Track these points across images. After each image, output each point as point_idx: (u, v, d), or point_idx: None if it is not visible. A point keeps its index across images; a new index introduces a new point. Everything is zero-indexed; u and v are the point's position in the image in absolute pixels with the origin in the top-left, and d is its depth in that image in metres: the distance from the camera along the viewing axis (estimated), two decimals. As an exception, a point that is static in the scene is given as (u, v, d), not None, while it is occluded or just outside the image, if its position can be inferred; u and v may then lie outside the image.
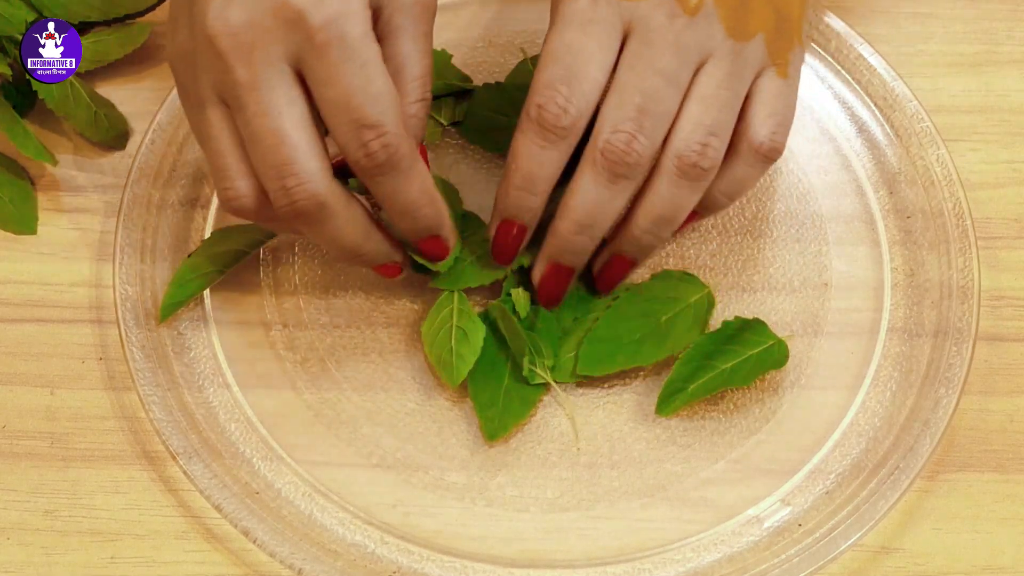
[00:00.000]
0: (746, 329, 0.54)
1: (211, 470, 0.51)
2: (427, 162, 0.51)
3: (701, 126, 0.49)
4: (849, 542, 0.50)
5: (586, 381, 0.54)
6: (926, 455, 0.51)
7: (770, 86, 0.50)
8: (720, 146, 0.49)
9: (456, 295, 0.54)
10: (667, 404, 0.52)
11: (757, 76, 0.50)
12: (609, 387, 0.55)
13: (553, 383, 0.53)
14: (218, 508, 0.51)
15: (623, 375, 0.54)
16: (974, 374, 0.54)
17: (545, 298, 0.53)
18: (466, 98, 0.60)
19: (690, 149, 0.49)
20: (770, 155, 0.50)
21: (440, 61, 0.60)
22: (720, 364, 0.53)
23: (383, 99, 0.45)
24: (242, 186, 0.47)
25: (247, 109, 0.45)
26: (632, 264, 0.53)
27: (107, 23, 0.62)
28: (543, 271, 0.52)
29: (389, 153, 0.46)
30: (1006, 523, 0.52)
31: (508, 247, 0.52)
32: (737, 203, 0.58)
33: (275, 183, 0.46)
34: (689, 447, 0.53)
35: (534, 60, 0.59)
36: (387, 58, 0.48)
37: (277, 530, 0.50)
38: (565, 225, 0.50)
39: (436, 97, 0.59)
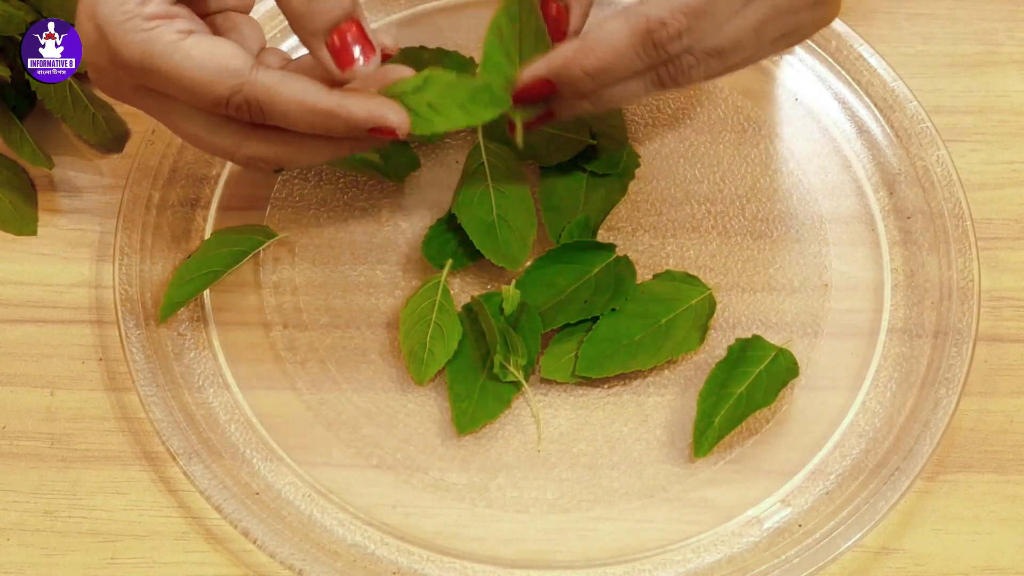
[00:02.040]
0: (748, 348, 0.54)
1: (211, 471, 0.51)
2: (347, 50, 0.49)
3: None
4: (849, 543, 0.50)
5: (586, 382, 0.54)
6: (926, 456, 0.51)
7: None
8: (689, 42, 0.49)
9: (440, 287, 0.54)
10: (701, 444, 0.52)
11: None
12: (609, 387, 0.55)
13: (524, 382, 0.53)
14: (218, 509, 0.51)
15: (623, 376, 0.54)
16: (974, 375, 0.54)
17: (524, 128, 0.52)
18: None
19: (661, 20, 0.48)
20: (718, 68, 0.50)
21: (464, 69, 0.60)
22: (735, 389, 0.53)
23: (215, 73, 0.46)
24: (194, 126, 0.49)
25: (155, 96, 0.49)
26: (551, 118, 0.52)
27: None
28: (541, 113, 0.52)
29: (250, 103, 0.47)
30: (1006, 524, 0.52)
31: (534, 97, 0.51)
32: (737, 203, 0.59)
33: (214, 103, 0.47)
34: (689, 448, 0.53)
35: None
36: (224, 30, 0.51)
37: (277, 531, 0.50)
38: (592, 101, 0.50)
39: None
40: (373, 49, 0.48)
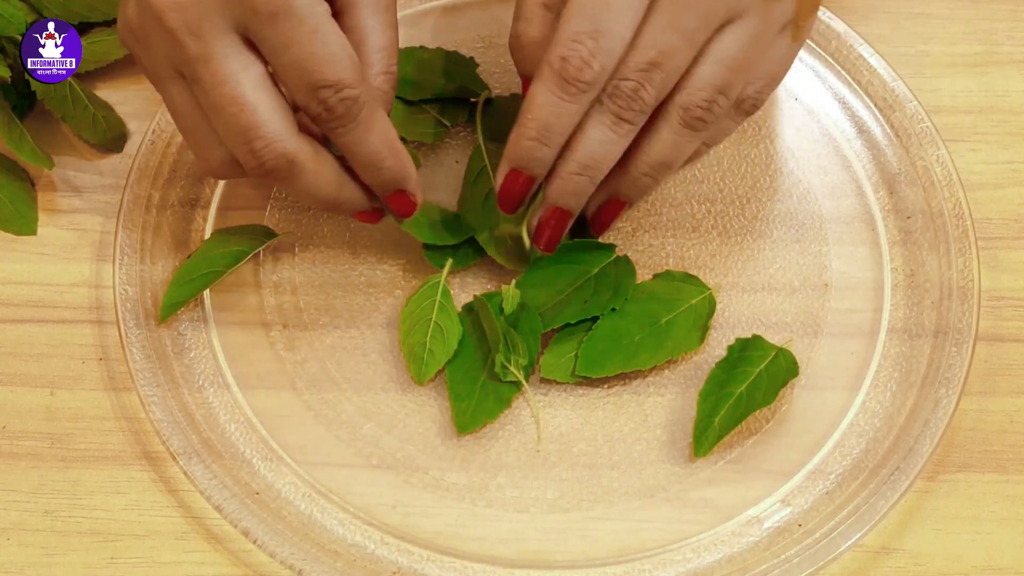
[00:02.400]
0: (748, 347, 0.54)
1: (211, 471, 0.51)
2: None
3: (712, 86, 0.49)
4: (849, 542, 0.50)
5: (586, 381, 0.54)
6: (926, 455, 0.51)
7: (779, 47, 0.51)
8: (726, 103, 0.50)
9: (440, 287, 0.54)
10: (701, 444, 0.52)
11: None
12: (609, 387, 0.55)
13: (524, 383, 0.53)
14: (218, 509, 0.50)
15: (623, 376, 0.54)
16: (974, 374, 0.54)
17: (545, 242, 0.53)
18: (467, 103, 0.60)
19: (696, 104, 0.49)
20: (750, 111, 0.52)
21: (465, 68, 0.60)
22: (735, 388, 0.53)
23: (338, 60, 0.46)
24: (214, 155, 0.48)
25: (203, 81, 0.46)
26: (626, 206, 0.53)
27: (107, 23, 0.62)
28: (544, 214, 0.52)
29: (347, 106, 0.47)
30: (1006, 523, 0.52)
31: (514, 195, 0.51)
32: (737, 203, 0.59)
33: (242, 148, 0.47)
34: (689, 448, 0.53)
35: None
36: (347, 30, 0.49)
37: (277, 531, 0.50)
38: (569, 167, 0.50)
39: (445, 100, 0.60)
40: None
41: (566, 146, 0.50)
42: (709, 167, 0.60)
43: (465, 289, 0.56)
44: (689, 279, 0.56)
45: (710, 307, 0.55)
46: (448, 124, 0.60)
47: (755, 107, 0.52)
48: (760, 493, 0.52)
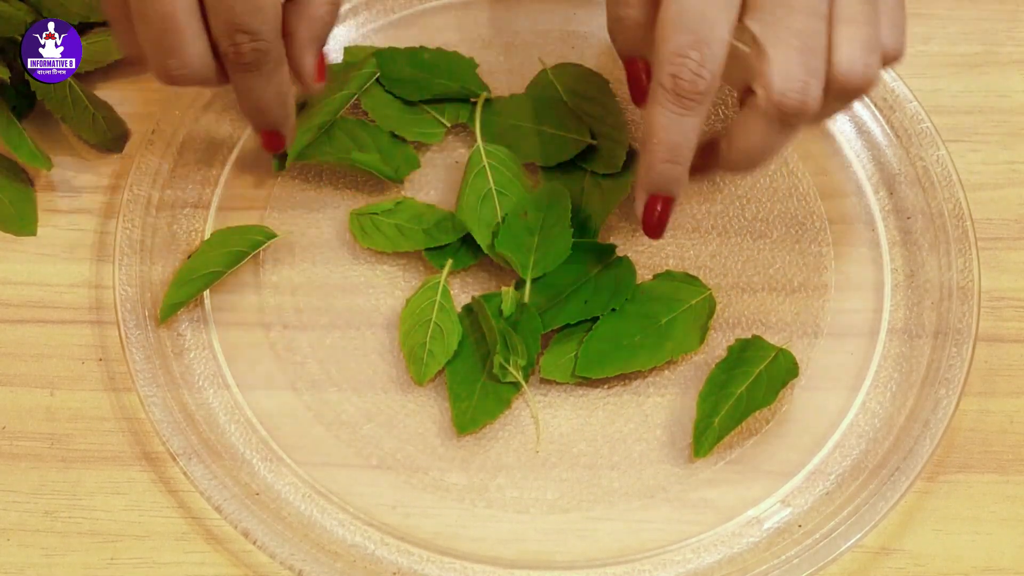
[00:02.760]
0: (747, 348, 0.54)
1: (211, 471, 0.51)
2: (323, 69, 0.53)
3: (864, 47, 0.47)
4: (849, 543, 0.50)
5: (586, 382, 0.54)
6: (926, 456, 0.51)
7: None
8: (877, 54, 0.48)
9: (440, 287, 0.54)
10: (701, 444, 0.52)
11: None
12: (609, 387, 0.55)
13: (523, 383, 0.53)
14: (218, 509, 0.50)
15: (623, 376, 0.54)
16: (974, 375, 0.54)
17: (652, 228, 0.51)
18: (467, 103, 0.60)
19: (856, 70, 0.47)
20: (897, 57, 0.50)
21: (465, 68, 0.60)
22: (735, 389, 0.53)
23: (263, 11, 0.48)
24: (197, 48, 0.49)
25: None
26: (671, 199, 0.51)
27: (107, 23, 0.62)
28: (646, 205, 0.51)
29: (255, 56, 0.49)
30: (1006, 524, 0.52)
31: (660, 222, 0.50)
32: (737, 203, 0.59)
33: (230, 37, 0.48)
34: (689, 448, 0.53)
35: (553, 70, 0.61)
36: None
37: (277, 531, 0.50)
38: (657, 154, 0.49)
39: (445, 100, 0.60)
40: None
41: (652, 136, 0.49)
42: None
43: (465, 290, 0.56)
44: (689, 279, 0.56)
45: (710, 307, 0.55)
46: (448, 124, 0.60)
47: (899, 52, 0.50)
48: (760, 493, 0.52)
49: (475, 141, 0.58)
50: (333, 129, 0.59)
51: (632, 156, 0.58)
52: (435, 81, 0.60)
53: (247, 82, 0.50)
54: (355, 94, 0.59)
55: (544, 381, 0.54)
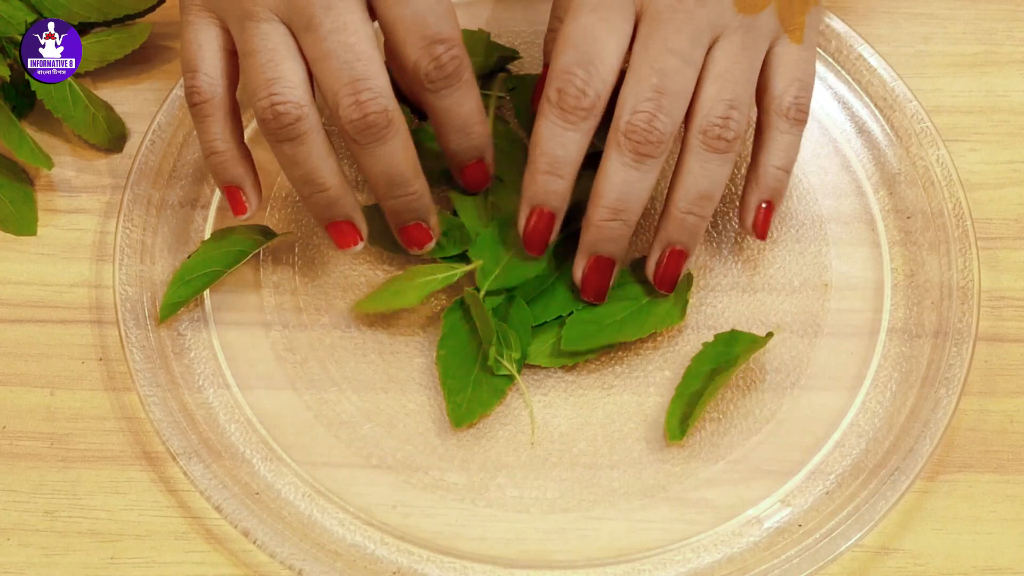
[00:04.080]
0: (725, 342, 0.54)
1: (211, 471, 0.51)
2: None
3: (720, 101, 0.50)
4: (849, 543, 0.50)
5: (586, 382, 0.54)
6: (926, 456, 0.51)
7: (786, 53, 0.52)
8: (741, 117, 0.51)
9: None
10: (674, 429, 0.53)
11: (772, 44, 0.52)
12: (609, 388, 0.55)
13: (517, 376, 0.53)
14: (218, 509, 0.50)
15: (622, 376, 0.54)
16: (974, 375, 0.54)
17: (591, 293, 0.53)
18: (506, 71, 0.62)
19: (712, 123, 0.50)
20: (798, 117, 0.52)
21: (480, 40, 0.61)
22: (708, 367, 0.54)
23: (451, 16, 0.49)
24: (295, 93, 0.48)
25: (323, 27, 0.48)
26: (685, 255, 0.53)
27: (107, 23, 0.62)
28: (584, 265, 0.53)
29: (456, 65, 0.49)
30: (1006, 524, 0.52)
31: (539, 235, 0.52)
32: (737, 203, 0.58)
33: (349, 97, 0.48)
34: (689, 448, 0.53)
35: None
36: None
37: (277, 531, 0.50)
38: (599, 213, 0.51)
39: (487, 74, 0.61)
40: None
41: (593, 192, 0.51)
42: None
43: (460, 283, 0.56)
44: None
45: (688, 282, 0.55)
46: (501, 94, 0.60)
47: (801, 112, 0.52)
48: (760, 493, 0.52)
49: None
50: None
51: None
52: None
53: (452, 99, 0.50)
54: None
55: (543, 380, 0.54)
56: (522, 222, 0.52)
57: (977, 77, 0.63)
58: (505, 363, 0.53)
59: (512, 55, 0.61)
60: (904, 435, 0.52)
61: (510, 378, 0.54)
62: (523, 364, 0.54)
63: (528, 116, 0.60)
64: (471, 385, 0.53)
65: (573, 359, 0.54)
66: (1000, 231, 0.59)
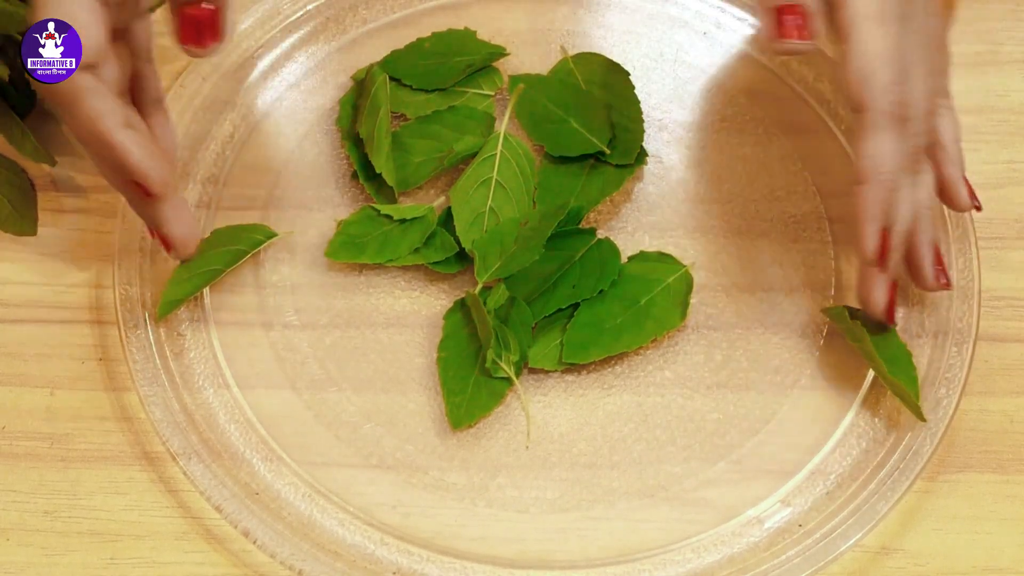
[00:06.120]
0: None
1: (211, 471, 0.51)
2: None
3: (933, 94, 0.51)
4: (849, 543, 0.50)
5: (584, 379, 0.54)
6: (926, 456, 0.51)
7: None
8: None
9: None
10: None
11: None
12: (609, 387, 0.55)
13: (515, 378, 0.53)
14: (218, 509, 0.50)
15: (622, 376, 0.54)
16: (974, 374, 0.54)
17: (893, 317, 0.53)
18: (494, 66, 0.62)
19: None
20: (948, 93, 0.54)
21: (468, 39, 0.61)
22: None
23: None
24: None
25: None
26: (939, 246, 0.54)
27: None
28: (888, 295, 0.53)
29: (55, 96, 0.49)
30: (1006, 524, 0.52)
31: (890, 252, 0.50)
32: (737, 203, 0.59)
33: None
34: (689, 448, 0.53)
35: (575, 59, 0.61)
36: None
37: (277, 531, 0.50)
38: (897, 238, 0.50)
39: (475, 71, 0.61)
40: (217, 37, 0.50)
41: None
42: (710, 167, 0.60)
43: (461, 286, 0.56)
44: (664, 258, 0.56)
45: (687, 284, 0.55)
46: (491, 93, 0.61)
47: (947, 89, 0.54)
48: (760, 493, 0.52)
49: (499, 127, 0.59)
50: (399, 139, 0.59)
51: (642, 153, 0.58)
52: (452, 60, 0.60)
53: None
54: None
55: (542, 380, 0.54)
56: (874, 242, 0.50)
57: (977, 77, 0.63)
58: (503, 365, 0.53)
59: (499, 52, 0.61)
60: (904, 435, 0.52)
61: (509, 380, 0.54)
62: (538, 378, 0.54)
63: (529, 116, 0.60)
64: (471, 387, 0.53)
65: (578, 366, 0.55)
66: (1000, 231, 0.59)
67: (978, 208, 0.54)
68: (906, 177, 0.50)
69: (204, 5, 0.49)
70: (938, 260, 0.53)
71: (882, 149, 0.48)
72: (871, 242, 0.50)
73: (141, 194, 0.50)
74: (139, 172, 0.49)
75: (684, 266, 0.56)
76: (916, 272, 0.53)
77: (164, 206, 0.51)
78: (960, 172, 0.54)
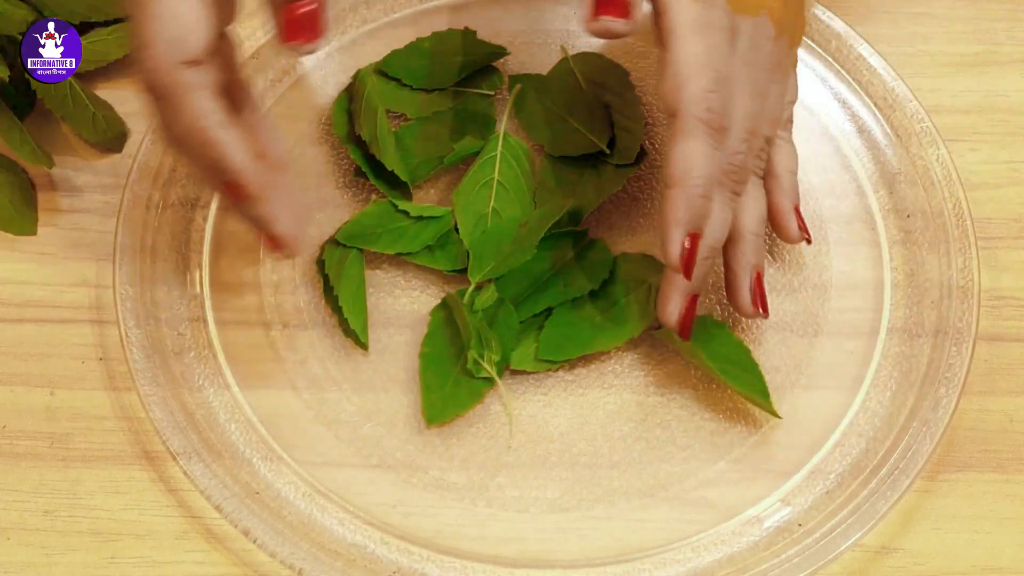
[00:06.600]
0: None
1: (211, 470, 0.51)
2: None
3: (765, 138, 0.53)
4: (849, 542, 0.50)
5: (585, 382, 0.54)
6: (926, 455, 0.51)
7: (792, 80, 0.55)
8: (772, 144, 0.54)
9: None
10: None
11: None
12: (608, 388, 0.55)
13: (497, 379, 0.53)
14: (218, 508, 0.51)
15: (622, 376, 0.54)
16: (974, 374, 0.54)
17: (688, 331, 0.52)
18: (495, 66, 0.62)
19: (756, 155, 0.52)
20: (789, 127, 0.56)
21: (468, 39, 0.61)
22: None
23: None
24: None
25: None
26: (762, 273, 0.54)
27: (107, 23, 0.62)
28: (684, 306, 0.51)
29: (154, 90, 0.47)
30: (1006, 523, 0.52)
31: (695, 259, 0.49)
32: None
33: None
34: (689, 447, 0.53)
35: (575, 59, 0.61)
36: None
37: (277, 530, 0.50)
38: (703, 252, 0.50)
39: (475, 72, 0.61)
40: (319, 33, 0.48)
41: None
42: (709, 167, 0.60)
43: (453, 283, 0.56)
44: (646, 259, 0.56)
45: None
46: (491, 92, 0.61)
47: (790, 122, 0.56)
48: (760, 493, 0.52)
49: (499, 128, 0.59)
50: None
51: (642, 153, 0.59)
52: (452, 60, 0.60)
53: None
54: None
55: (543, 380, 0.54)
56: (678, 247, 0.48)
57: (977, 77, 0.63)
58: (485, 365, 0.53)
59: (499, 52, 0.61)
60: (904, 435, 0.52)
61: (490, 381, 0.54)
62: (507, 369, 0.54)
63: (529, 116, 0.60)
64: (449, 384, 0.53)
65: (555, 364, 0.54)
66: (1000, 231, 0.59)
67: (808, 240, 0.55)
68: (722, 192, 0.50)
69: (306, 1, 0.48)
70: (758, 286, 0.53)
71: (693, 154, 0.48)
72: (674, 247, 0.48)
73: (240, 196, 0.48)
74: (238, 172, 0.47)
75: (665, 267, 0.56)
76: (733, 294, 0.53)
77: (268, 205, 0.49)
78: (791, 203, 0.54)
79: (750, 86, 0.50)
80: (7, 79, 0.58)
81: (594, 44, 0.63)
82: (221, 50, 0.50)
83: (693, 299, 0.51)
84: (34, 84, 0.57)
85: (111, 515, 0.53)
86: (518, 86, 0.60)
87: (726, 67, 0.48)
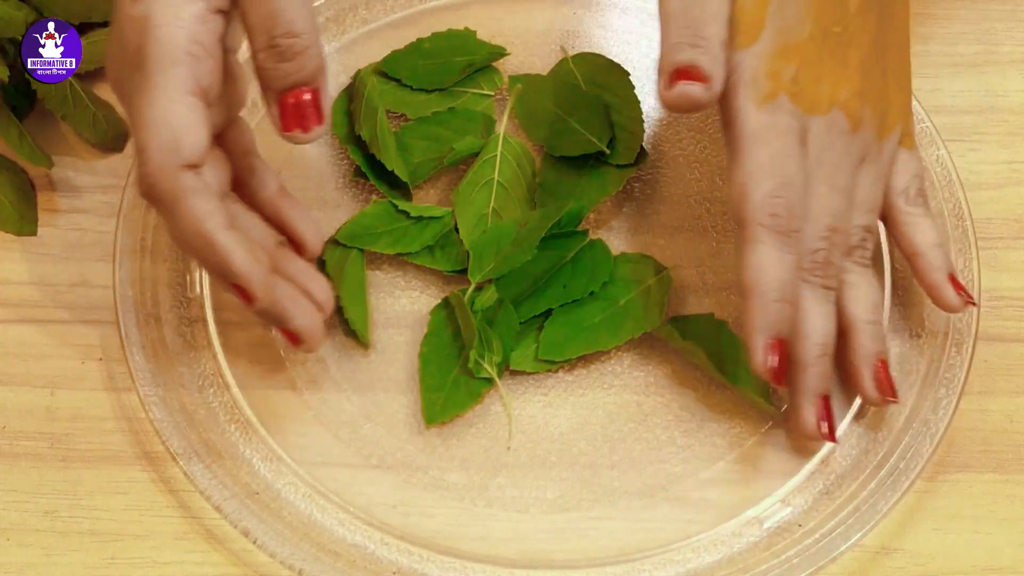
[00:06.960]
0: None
1: (211, 471, 0.51)
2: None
3: (862, 227, 0.52)
4: (849, 543, 0.50)
5: (585, 382, 0.54)
6: (926, 456, 0.51)
7: (904, 158, 0.54)
8: (874, 231, 0.53)
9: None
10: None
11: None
12: (608, 388, 0.55)
13: (497, 380, 0.53)
14: (218, 509, 0.50)
15: (622, 376, 0.54)
16: (974, 374, 0.54)
17: (834, 432, 0.52)
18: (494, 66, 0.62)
19: (855, 245, 0.52)
20: (922, 202, 0.54)
21: (468, 39, 0.62)
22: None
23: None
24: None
25: None
26: (886, 360, 0.53)
27: (106, 23, 0.62)
28: (817, 412, 0.51)
29: (152, 196, 0.46)
30: (1006, 523, 0.52)
31: (785, 365, 0.49)
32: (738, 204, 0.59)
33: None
34: (689, 447, 0.53)
35: (575, 59, 0.61)
36: None
37: (277, 531, 0.50)
38: (813, 351, 0.50)
39: (475, 71, 0.61)
40: (320, 120, 0.48)
41: (796, 335, 0.50)
42: (709, 167, 0.60)
43: (452, 283, 0.56)
44: (645, 260, 0.56)
45: (667, 286, 0.55)
46: (491, 93, 0.61)
47: (922, 196, 0.54)
48: (760, 493, 0.52)
49: (499, 128, 0.59)
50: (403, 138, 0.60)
51: (642, 153, 0.58)
52: (452, 60, 0.60)
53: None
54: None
55: (543, 380, 0.54)
56: (763, 355, 0.48)
57: (976, 77, 0.63)
58: (486, 366, 0.53)
59: (499, 52, 0.61)
60: (904, 435, 0.52)
61: (490, 381, 0.54)
62: (507, 369, 0.54)
63: (529, 116, 0.60)
64: (449, 384, 0.53)
65: (555, 365, 0.54)
66: (1000, 231, 0.59)
67: (973, 303, 0.53)
68: (811, 288, 0.50)
69: (303, 90, 0.48)
70: (884, 374, 0.52)
71: (761, 261, 0.48)
72: (757, 355, 0.48)
73: (247, 299, 0.48)
74: (241, 276, 0.47)
75: (665, 268, 0.56)
76: (857, 385, 0.53)
77: (278, 306, 0.49)
78: (943, 276, 0.53)
79: (826, 183, 0.50)
80: (7, 79, 0.58)
81: (594, 44, 0.63)
82: (230, 138, 0.50)
83: (824, 400, 0.51)
84: (34, 84, 0.57)
85: (111, 515, 0.53)
86: (518, 86, 0.60)
87: (796, 170, 0.48)
